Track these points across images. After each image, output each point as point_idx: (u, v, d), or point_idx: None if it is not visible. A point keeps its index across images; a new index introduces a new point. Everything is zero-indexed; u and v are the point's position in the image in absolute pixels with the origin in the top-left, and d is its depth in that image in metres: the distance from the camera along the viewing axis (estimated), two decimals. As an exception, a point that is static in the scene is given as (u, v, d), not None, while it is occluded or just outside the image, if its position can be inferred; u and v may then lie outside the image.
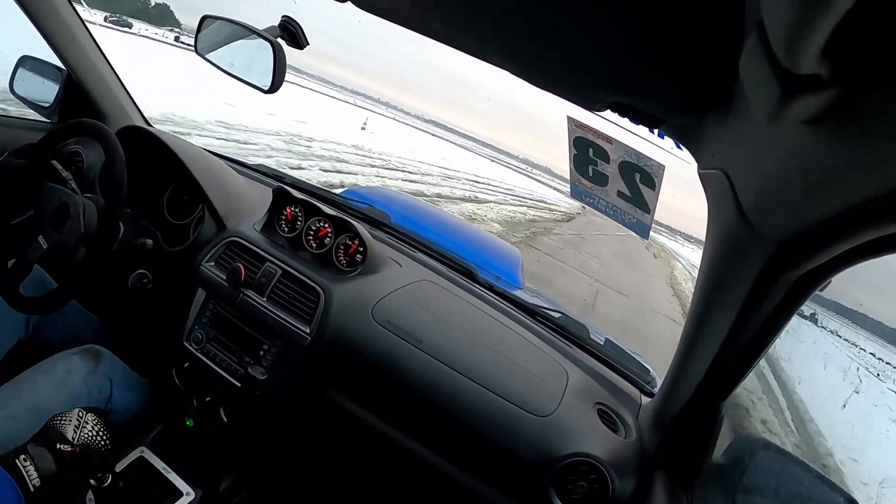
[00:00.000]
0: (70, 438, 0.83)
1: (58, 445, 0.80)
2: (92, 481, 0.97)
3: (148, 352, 1.23)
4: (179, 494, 1.11)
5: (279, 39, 1.03)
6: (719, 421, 0.83)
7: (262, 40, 1.03)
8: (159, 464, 1.14)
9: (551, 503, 0.93)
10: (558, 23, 0.47)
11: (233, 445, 1.17)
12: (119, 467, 1.11)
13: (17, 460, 0.74)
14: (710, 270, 0.65)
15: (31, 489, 0.72)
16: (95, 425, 0.89)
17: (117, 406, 1.10)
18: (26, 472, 0.73)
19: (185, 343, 1.12)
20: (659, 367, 1.41)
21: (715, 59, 0.41)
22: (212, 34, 1.14)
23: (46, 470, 0.76)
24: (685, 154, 0.63)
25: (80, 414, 0.88)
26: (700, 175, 0.61)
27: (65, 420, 0.86)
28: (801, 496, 0.94)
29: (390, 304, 1.07)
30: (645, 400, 1.17)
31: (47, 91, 1.31)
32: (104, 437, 0.90)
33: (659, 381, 1.17)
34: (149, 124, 1.31)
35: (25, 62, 1.36)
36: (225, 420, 1.13)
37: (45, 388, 0.97)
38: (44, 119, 1.34)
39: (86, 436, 0.87)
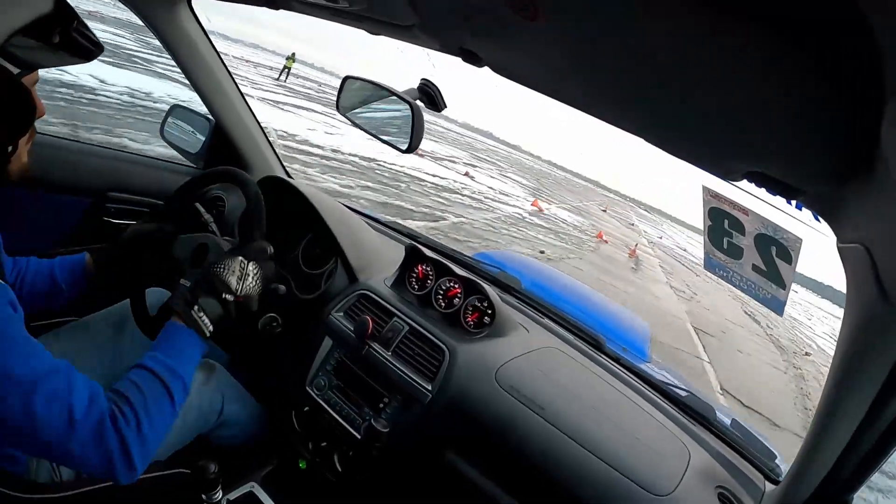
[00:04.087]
0: (234, 289, 0.91)
1: (223, 295, 0.90)
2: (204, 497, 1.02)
3: (270, 389, 1.28)
4: None
5: (418, 101, 1.06)
6: None
7: (401, 102, 1.07)
8: (268, 501, 1.17)
9: None
10: (695, 92, 0.46)
11: (343, 493, 1.19)
12: (231, 496, 1.15)
13: (192, 312, 0.86)
14: (846, 350, 0.59)
15: (207, 334, 0.87)
16: (255, 277, 0.94)
17: (229, 420, 1.14)
18: (201, 321, 0.86)
19: (307, 388, 1.15)
20: (786, 453, 1.30)
21: (856, 125, 0.38)
22: (353, 94, 1.20)
23: (216, 315, 0.88)
24: (824, 227, 0.60)
25: (242, 265, 0.93)
26: (839, 249, 0.57)
27: (228, 270, 0.92)
28: None
29: (515, 369, 1.06)
30: (769, 487, 1.09)
31: (195, 138, 1.44)
32: (259, 287, 0.95)
33: (785, 468, 1.08)
34: (290, 176, 1.40)
35: (176, 111, 1.50)
36: (339, 469, 1.15)
37: None
38: (190, 164, 1.46)
39: (247, 287, 0.93)
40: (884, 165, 0.38)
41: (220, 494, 1.04)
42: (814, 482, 0.73)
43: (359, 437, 1.09)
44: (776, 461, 1.18)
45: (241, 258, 0.94)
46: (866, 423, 0.57)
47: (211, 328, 0.88)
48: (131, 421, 0.72)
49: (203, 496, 1.01)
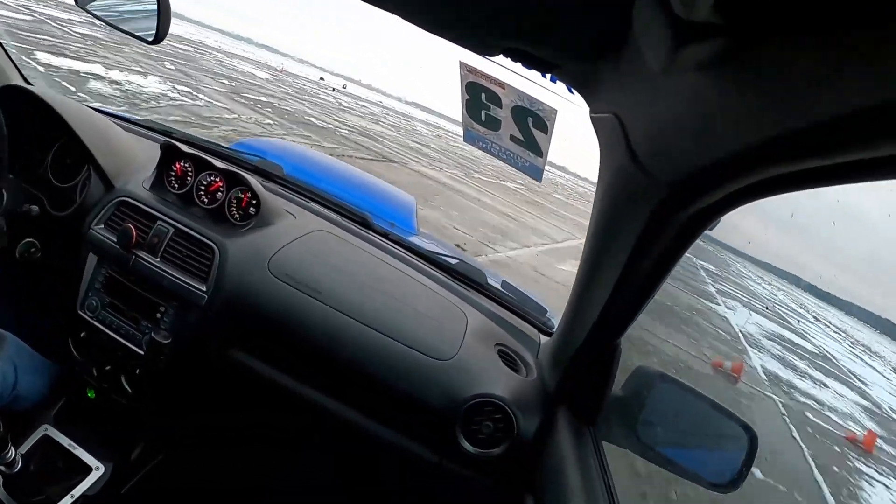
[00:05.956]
0: None
1: None
2: (1, 467, 0.93)
3: (46, 327, 1.17)
4: (89, 470, 1.07)
5: None
6: (616, 356, 0.85)
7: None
8: (65, 440, 1.09)
9: (459, 445, 0.93)
10: None
11: (139, 413, 1.13)
12: (24, 448, 1.06)
13: None
14: (602, 212, 0.66)
15: None
16: None
17: (23, 392, 1.05)
18: None
19: (79, 312, 1.07)
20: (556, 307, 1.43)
21: (609, 4, 0.41)
22: (91, -15, 1.08)
23: None
24: (577, 98, 0.64)
25: None
26: (592, 119, 0.62)
27: None
28: (698, 424, 0.97)
29: (286, 257, 1.05)
30: (543, 339, 1.19)
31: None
32: None
33: (556, 321, 1.19)
34: (28, 83, 1.24)
35: None
36: (129, 390, 1.09)
37: None
38: None
39: None
40: (635, 43, 0.40)
41: (11, 452, 0.95)
42: (583, 331, 0.80)
43: (142, 353, 1.03)
44: (547, 315, 1.29)
45: None
46: (625, 276, 0.63)
47: None
48: None
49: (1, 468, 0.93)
